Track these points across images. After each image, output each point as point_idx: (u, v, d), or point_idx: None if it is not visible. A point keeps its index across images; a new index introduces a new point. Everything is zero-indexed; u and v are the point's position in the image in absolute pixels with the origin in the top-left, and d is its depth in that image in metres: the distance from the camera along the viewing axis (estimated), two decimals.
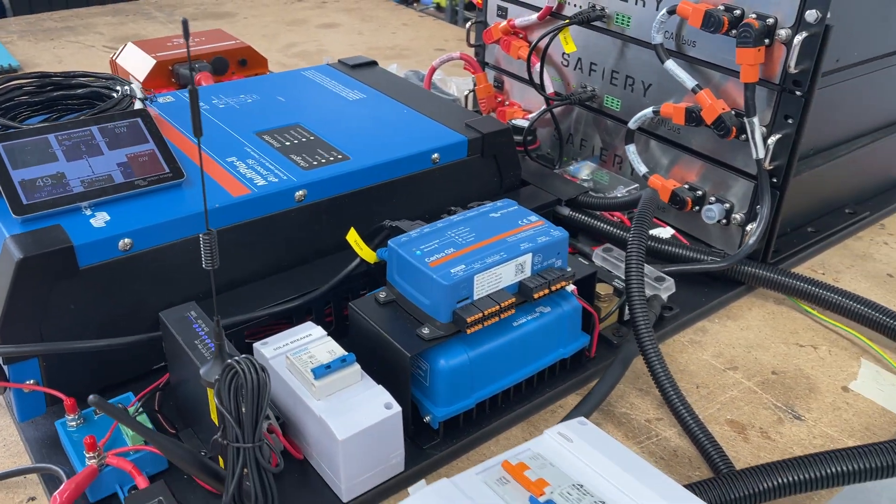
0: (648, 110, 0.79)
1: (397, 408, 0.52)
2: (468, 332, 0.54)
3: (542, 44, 0.87)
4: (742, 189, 0.76)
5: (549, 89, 0.90)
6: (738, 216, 0.76)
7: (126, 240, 0.56)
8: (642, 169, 0.83)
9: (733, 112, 0.73)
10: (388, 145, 0.71)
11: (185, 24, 0.35)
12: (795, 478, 0.51)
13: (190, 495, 0.52)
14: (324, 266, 0.65)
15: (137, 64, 1.03)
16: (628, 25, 0.81)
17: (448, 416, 0.56)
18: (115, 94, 0.72)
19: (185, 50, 1.05)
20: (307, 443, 0.54)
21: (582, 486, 0.46)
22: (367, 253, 0.62)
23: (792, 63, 0.67)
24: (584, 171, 0.89)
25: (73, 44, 1.45)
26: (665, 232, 0.81)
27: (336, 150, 0.69)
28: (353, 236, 0.63)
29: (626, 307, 0.63)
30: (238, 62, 1.08)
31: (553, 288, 0.58)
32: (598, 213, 0.79)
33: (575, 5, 0.86)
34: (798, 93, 0.68)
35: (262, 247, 0.63)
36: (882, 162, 0.90)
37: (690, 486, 0.51)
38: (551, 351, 0.61)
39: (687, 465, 0.57)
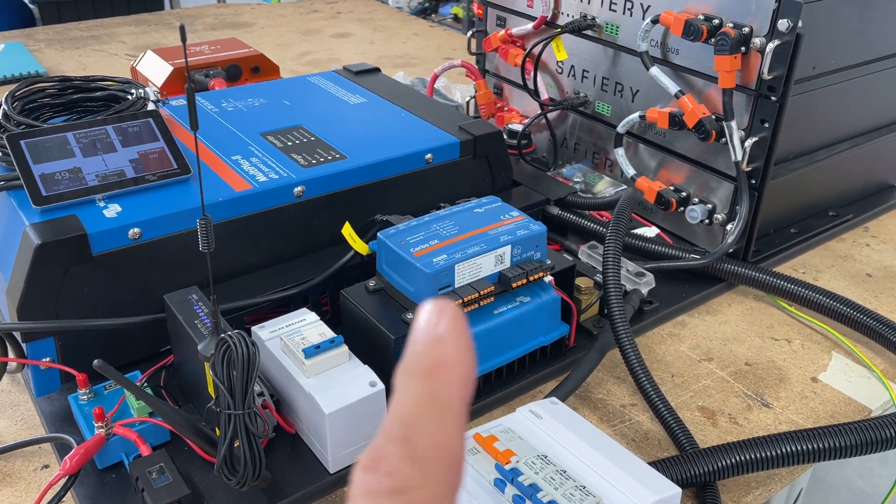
0: (635, 115, 0.83)
1: (381, 385, 0.56)
2: None
3: (536, 51, 0.91)
4: (724, 191, 0.79)
5: (544, 95, 0.94)
6: (719, 216, 0.80)
7: (135, 229, 0.61)
8: (630, 171, 0.86)
9: (713, 116, 0.76)
10: (383, 146, 0.75)
11: (182, 30, 0.39)
12: (745, 457, 0.54)
13: (190, 465, 0.56)
14: (320, 258, 0.69)
15: (156, 70, 1.08)
16: (617, 34, 0.85)
17: None
18: (130, 97, 0.77)
19: (202, 57, 1.10)
20: (298, 418, 0.58)
21: (546, 456, 0.50)
22: (360, 245, 0.67)
23: (765, 70, 0.70)
24: (576, 173, 0.93)
25: (97, 52, 1.52)
26: (650, 231, 0.84)
27: (334, 150, 0.74)
28: (347, 230, 0.67)
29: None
30: (251, 69, 1.13)
31: (531, 278, 0.61)
32: (587, 212, 0.83)
33: (568, 15, 0.90)
34: (773, 98, 0.72)
35: (263, 239, 0.68)
36: (866, 166, 0.93)
37: (653, 464, 0.55)
38: (531, 339, 0.65)
39: (656, 447, 0.61)
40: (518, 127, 0.95)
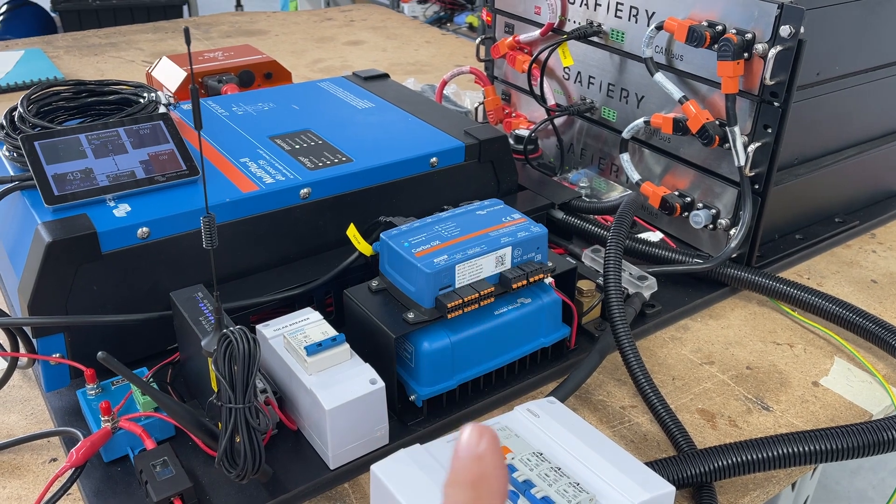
0: (640, 120, 0.84)
1: (381, 383, 0.56)
2: (449, 316, 0.59)
3: (542, 57, 0.92)
4: (728, 196, 0.79)
5: (551, 101, 0.95)
6: (723, 221, 0.80)
7: (144, 228, 0.62)
8: (635, 176, 0.87)
9: (717, 122, 0.77)
10: (389, 149, 0.76)
11: (186, 32, 0.41)
12: (741, 458, 0.54)
13: (193, 459, 0.57)
14: (326, 259, 0.70)
15: (170, 76, 1.10)
16: (623, 41, 0.86)
17: (431, 396, 0.61)
18: (142, 100, 0.79)
19: (215, 63, 1.12)
20: (300, 415, 0.59)
21: (542, 454, 0.50)
22: (364, 247, 0.68)
23: (768, 75, 0.71)
24: (582, 178, 0.93)
25: (114, 59, 1.55)
26: (654, 236, 0.85)
27: (341, 153, 0.75)
28: (352, 231, 0.68)
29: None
30: (264, 75, 1.15)
31: (531, 279, 0.62)
32: (591, 216, 0.84)
33: (574, 22, 0.91)
34: (776, 103, 0.72)
35: (269, 239, 0.69)
36: (873, 173, 0.93)
37: (650, 464, 0.55)
38: (532, 340, 0.65)
39: (655, 448, 0.61)
40: (525, 132, 0.96)
